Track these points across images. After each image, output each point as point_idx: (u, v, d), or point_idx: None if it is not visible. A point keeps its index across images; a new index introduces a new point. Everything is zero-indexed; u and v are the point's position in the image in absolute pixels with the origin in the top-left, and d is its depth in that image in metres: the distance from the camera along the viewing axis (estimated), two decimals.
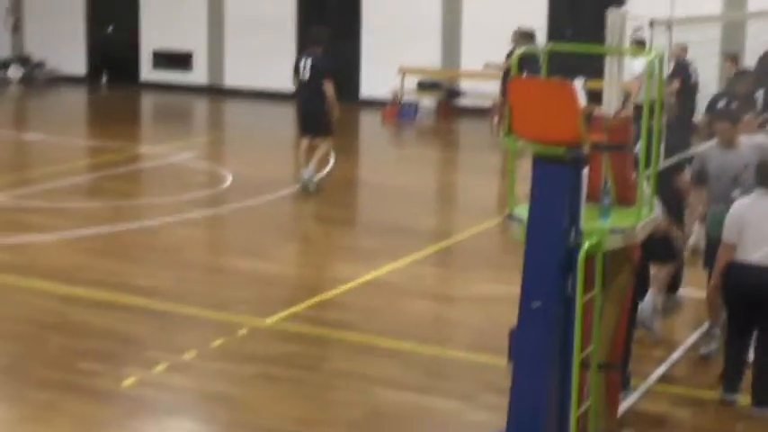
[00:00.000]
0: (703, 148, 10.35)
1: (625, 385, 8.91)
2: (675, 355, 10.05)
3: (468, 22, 24.62)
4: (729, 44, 20.20)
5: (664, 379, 9.52)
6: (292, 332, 10.46)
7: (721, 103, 13.27)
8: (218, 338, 10.08)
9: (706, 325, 10.21)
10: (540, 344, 7.23)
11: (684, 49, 17.23)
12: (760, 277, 8.65)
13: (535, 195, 7.26)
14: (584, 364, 7.51)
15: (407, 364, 9.72)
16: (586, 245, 7.12)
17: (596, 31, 8.21)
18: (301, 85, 16.24)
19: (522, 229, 7.39)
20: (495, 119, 20.50)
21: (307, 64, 16.05)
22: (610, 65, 8.03)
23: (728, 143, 9.91)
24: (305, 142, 16.33)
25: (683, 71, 17.42)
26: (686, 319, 10.99)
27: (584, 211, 7.53)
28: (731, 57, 17.45)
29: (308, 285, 12.00)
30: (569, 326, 7.19)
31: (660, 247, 9.57)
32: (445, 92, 24.70)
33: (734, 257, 8.76)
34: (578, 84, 7.02)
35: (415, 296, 11.74)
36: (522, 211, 7.49)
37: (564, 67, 8.54)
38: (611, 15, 8.00)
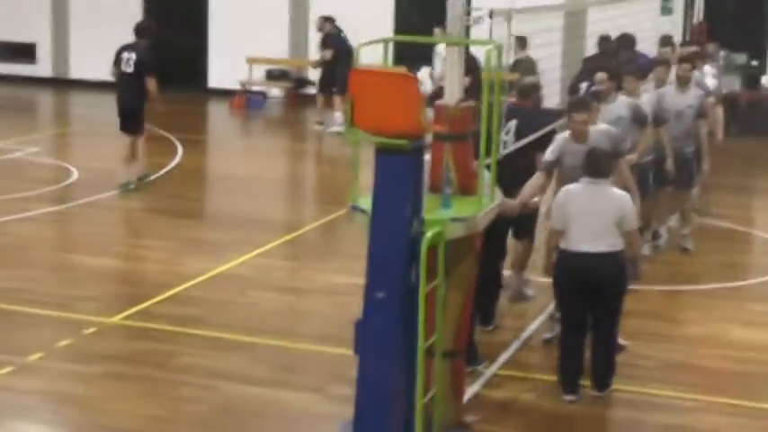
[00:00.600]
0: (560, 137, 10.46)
1: (478, 361, 9.28)
2: (519, 340, 10.25)
3: (316, 11, 24.60)
4: (571, 32, 20.65)
5: (508, 364, 9.68)
6: (140, 329, 10.34)
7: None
8: (64, 338, 9.91)
9: (550, 308, 10.39)
10: (385, 334, 7.28)
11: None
12: (590, 265, 8.75)
13: (378, 186, 7.30)
14: (430, 353, 7.62)
15: (256, 357, 9.70)
16: (429, 234, 7.18)
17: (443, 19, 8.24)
18: (122, 80, 15.82)
19: (366, 219, 7.43)
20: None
21: (130, 58, 15.72)
22: (451, 56, 8.10)
23: (583, 135, 10.00)
24: (127, 140, 15.99)
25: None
26: (530, 304, 11.16)
27: (427, 201, 7.62)
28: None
29: (156, 281, 11.84)
30: (414, 315, 7.25)
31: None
32: (293, 81, 24.67)
33: (564, 246, 8.89)
34: (424, 72, 7.18)
35: (264, 289, 11.71)
36: (366, 201, 7.51)
37: (413, 55, 8.58)
38: (452, 5, 8.05)
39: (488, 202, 7.87)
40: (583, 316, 8.93)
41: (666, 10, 22.11)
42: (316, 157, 20.10)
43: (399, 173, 7.21)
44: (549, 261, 9.10)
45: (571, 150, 9.70)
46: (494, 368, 9.51)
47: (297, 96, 24.54)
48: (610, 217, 8.78)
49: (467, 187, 7.93)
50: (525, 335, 10.39)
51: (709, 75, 15.22)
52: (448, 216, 7.56)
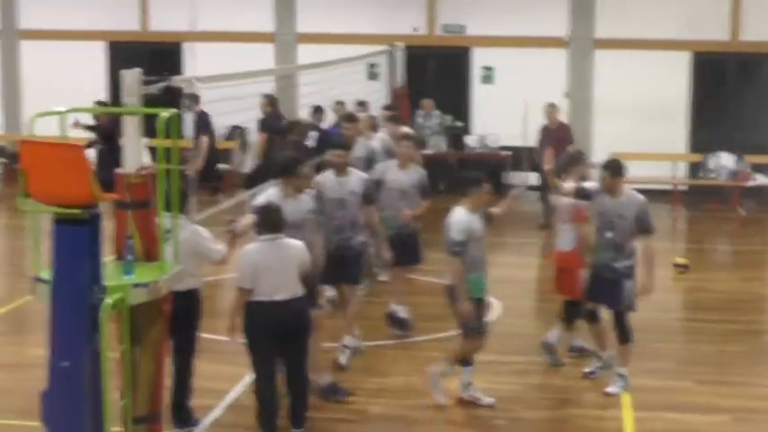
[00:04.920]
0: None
1: (192, 423, 9.51)
2: (225, 401, 10.42)
3: (28, 85, 24.46)
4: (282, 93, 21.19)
5: (213, 426, 9.86)
6: None
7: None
8: None
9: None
10: (71, 403, 7.32)
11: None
12: (284, 312, 9.22)
13: (56, 255, 7.37)
14: (140, 420, 7.84)
15: None
16: (109, 300, 7.29)
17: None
18: None
19: (47, 289, 7.47)
20: None
21: None
22: (128, 124, 8.26)
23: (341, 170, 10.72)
24: None
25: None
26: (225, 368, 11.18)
27: (111, 268, 7.75)
28: (269, 97, 18.28)
29: None
30: (100, 383, 7.32)
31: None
32: (9, 156, 24.25)
33: (252, 298, 9.22)
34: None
35: None
36: (49, 272, 7.56)
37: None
38: (127, 75, 8.22)
39: (171, 267, 8.05)
40: (275, 364, 9.40)
41: (372, 75, 22.88)
42: (29, 232, 19.82)
43: (76, 241, 7.30)
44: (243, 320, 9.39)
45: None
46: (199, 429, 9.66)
47: (12, 172, 24.09)
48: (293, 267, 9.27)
49: (150, 253, 8.08)
50: (231, 396, 10.55)
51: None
52: (130, 282, 7.68)
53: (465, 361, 10.44)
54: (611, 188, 10.63)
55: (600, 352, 11.18)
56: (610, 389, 10.75)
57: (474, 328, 10.25)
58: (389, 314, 12.69)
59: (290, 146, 14.11)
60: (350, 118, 14.62)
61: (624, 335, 10.71)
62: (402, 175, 12.56)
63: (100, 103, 19.54)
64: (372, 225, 11.72)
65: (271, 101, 18.14)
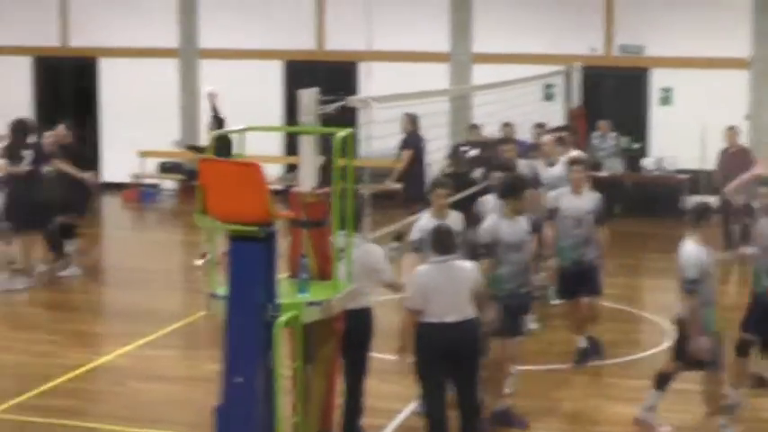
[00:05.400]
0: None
1: None
2: (395, 422, 10.43)
3: (207, 103, 24.95)
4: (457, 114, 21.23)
5: None
6: (17, 423, 10.34)
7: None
8: None
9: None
10: (244, 419, 7.45)
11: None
12: (455, 334, 9.12)
13: (232, 272, 7.52)
14: None
15: None
16: (283, 318, 7.39)
17: None
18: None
19: (222, 306, 7.61)
20: None
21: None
22: (305, 144, 8.36)
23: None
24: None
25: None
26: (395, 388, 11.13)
27: (285, 285, 7.85)
28: (410, 116, 17.94)
29: (36, 374, 11.82)
30: (272, 399, 7.42)
31: None
32: (186, 173, 24.83)
33: (423, 320, 9.18)
34: None
35: (144, 379, 11.77)
36: (224, 288, 7.70)
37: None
38: (304, 95, 8.33)
39: (344, 285, 8.11)
40: (444, 386, 9.31)
41: (548, 96, 22.73)
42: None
43: (252, 259, 7.44)
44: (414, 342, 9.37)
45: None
46: None
47: (189, 188, 24.68)
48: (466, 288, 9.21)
49: (324, 272, 8.16)
50: (401, 417, 10.55)
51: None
52: (304, 300, 7.76)
53: (660, 384, 10.11)
54: None
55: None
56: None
57: (713, 363, 9.81)
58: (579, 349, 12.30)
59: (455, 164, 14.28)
60: (506, 140, 14.74)
61: None
62: (576, 202, 12.10)
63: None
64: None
65: (412, 119, 18.06)
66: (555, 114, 20.62)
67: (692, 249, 9.67)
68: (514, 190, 10.16)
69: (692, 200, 20.80)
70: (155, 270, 17.18)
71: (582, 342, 12.21)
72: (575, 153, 14.53)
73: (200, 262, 17.01)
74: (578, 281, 11.99)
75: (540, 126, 18.18)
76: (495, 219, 10.07)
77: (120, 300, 15.58)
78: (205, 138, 20.70)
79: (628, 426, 10.33)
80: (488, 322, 9.71)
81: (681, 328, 9.83)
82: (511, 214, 10.08)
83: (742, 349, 10.62)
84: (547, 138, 14.70)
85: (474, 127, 18.71)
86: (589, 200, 12.14)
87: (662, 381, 10.09)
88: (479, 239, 10.05)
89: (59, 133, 16.39)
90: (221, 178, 7.41)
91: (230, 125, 17.57)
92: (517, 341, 10.28)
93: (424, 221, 10.31)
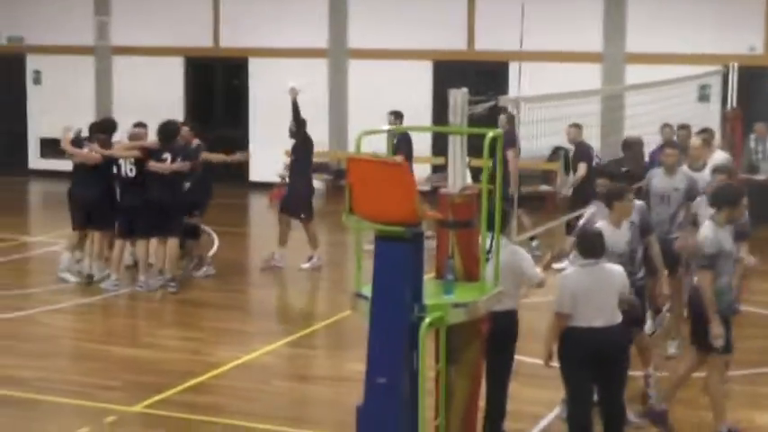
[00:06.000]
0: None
1: None
2: (538, 426, 10.23)
3: (354, 103, 25.01)
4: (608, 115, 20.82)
5: None
6: (161, 417, 10.43)
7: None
8: (83, 426, 9.98)
9: None
10: (387, 419, 7.33)
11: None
12: (603, 339, 9.00)
13: (377, 272, 7.40)
14: None
15: None
16: (428, 319, 7.25)
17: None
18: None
19: (367, 305, 7.51)
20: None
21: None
22: (453, 144, 8.20)
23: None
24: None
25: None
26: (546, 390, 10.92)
27: (431, 286, 7.70)
28: (508, 115, 17.29)
29: (180, 370, 11.93)
30: (415, 401, 7.29)
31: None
32: (333, 173, 24.90)
33: (570, 324, 9.03)
34: None
35: (287, 378, 11.79)
36: (369, 288, 7.60)
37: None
38: (453, 94, 8.18)
39: (491, 287, 7.93)
40: (591, 391, 9.23)
41: (704, 97, 22.17)
42: (352, 247, 20.20)
43: (398, 259, 7.32)
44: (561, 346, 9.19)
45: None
46: None
47: (337, 188, 24.75)
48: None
49: (470, 273, 7.99)
50: (544, 423, 10.34)
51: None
52: (449, 301, 7.61)
53: None
54: None
55: None
56: None
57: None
58: None
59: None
60: (670, 144, 14.08)
61: None
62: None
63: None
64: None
65: (509, 119, 17.63)
66: (710, 116, 20.07)
67: (710, 228, 9.69)
68: (617, 196, 10.12)
69: None
70: (297, 269, 17.19)
71: None
72: (721, 157, 14.09)
73: (306, 265, 16.95)
74: None
75: (683, 128, 16.99)
76: (713, 228, 9.75)
77: (266, 299, 15.64)
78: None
79: None
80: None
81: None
82: (723, 223, 9.82)
83: None
84: (695, 140, 14.19)
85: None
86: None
87: None
88: (703, 250, 9.72)
89: (183, 135, 16.36)
90: (369, 177, 7.31)
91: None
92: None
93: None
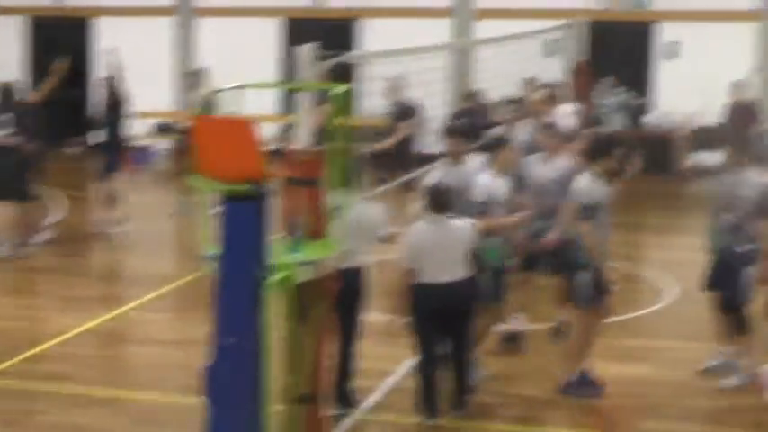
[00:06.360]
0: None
1: (353, 404, 9.36)
2: (387, 383, 10.18)
3: (202, 62, 24.62)
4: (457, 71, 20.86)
5: (374, 408, 9.62)
6: (1, 388, 10.05)
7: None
8: None
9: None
10: (235, 380, 7.19)
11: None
12: (449, 294, 9.05)
13: (225, 232, 7.22)
14: (301, 399, 7.77)
15: (119, 412, 9.54)
16: (276, 278, 7.10)
17: None
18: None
19: (214, 266, 7.32)
20: None
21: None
22: (301, 101, 8.04)
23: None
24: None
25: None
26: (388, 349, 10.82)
27: (278, 245, 7.55)
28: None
29: (20, 339, 11.48)
30: (264, 360, 7.15)
31: None
32: (180, 133, 24.44)
33: (417, 280, 9.03)
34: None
35: (133, 343, 11.54)
36: (217, 249, 7.40)
37: None
38: (301, 51, 8.02)
39: (338, 245, 7.83)
40: (437, 345, 9.26)
41: (551, 51, 22.30)
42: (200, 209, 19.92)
43: (245, 218, 7.15)
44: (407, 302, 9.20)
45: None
46: (360, 412, 9.45)
47: (184, 149, 24.29)
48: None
49: (318, 231, 7.87)
50: (392, 378, 10.29)
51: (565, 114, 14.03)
52: (297, 260, 7.49)
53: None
54: None
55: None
56: (724, 382, 10.16)
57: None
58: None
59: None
60: (510, 100, 13.81)
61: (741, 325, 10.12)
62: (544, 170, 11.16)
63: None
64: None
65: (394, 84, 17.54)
66: (558, 70, 20.21)
67: (588, 179, 9.69)
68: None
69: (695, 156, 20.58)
70: (146, 232, 16.84)
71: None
72: (568, 109, 14.05)
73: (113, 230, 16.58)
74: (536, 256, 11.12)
75: (530, 82, 16.57)
76: (591, 179, 9.75)
77: (107, 264, 15.35)
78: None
79: (628, 385, 10.18)
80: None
81: None
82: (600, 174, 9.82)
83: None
84: (536, 96, 13.92)
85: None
86: (557, 168, 11.07)
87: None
88: (586, 201, 9.68)
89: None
90: (215, 137, 7.10)
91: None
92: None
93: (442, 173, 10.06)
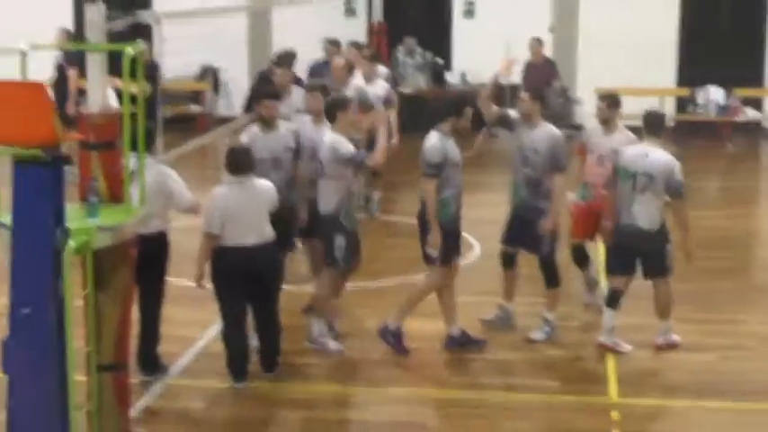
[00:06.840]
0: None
1: (160, 370, 9.35)
2: (195, 348, 10.15)
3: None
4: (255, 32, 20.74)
5: (183, 373, 9.61)
6: None
7: None
8: None
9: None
10: (33, 351, 7.02)
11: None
12: (256, 256, 9.03)
13: (17, 199, 7.05)
14: (106, 368, 7.64)
15: None
16: (72, 244, 6.98)
17: None
18: None
19: (6, 234, 7.16)
20: None
21: None
22: (92, 63, 7.89)
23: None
24: None
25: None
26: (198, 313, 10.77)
27: (74, 210, 7.42)
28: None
29: None
30: (63, 329, 7.04)
31: None
32: None
33: (220, 243, 9.01)
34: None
35: None
36: (8, 216, 7.24)
37: None
38: (90, 11, 7.84)
39: (137, 209, 7.74)
40: (244, 309, 9.28)
41: (350, 11, 22.43)
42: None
43: (38, 183, 6.98)
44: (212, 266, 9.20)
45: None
46: (166, 378, 9.42)
47: None
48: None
49: (115, 196, 7.76)
50: (200, 343, 10.27)
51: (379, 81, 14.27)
52: (94, 225, 7.37)
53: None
54: (607, 121, 10.81)
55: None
56: (533, 334, 10.40)
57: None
58: None
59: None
60: (279, 62, 13.12)
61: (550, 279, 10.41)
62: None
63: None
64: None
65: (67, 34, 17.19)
66: (357, 30, 20.33)
67: (436, 137, 9.75)
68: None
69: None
70: None
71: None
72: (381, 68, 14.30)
73: None
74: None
75: (333, 44, 16.46)
76: (439, 137, 9.74)
77: None
78: None
79: (430, 341, 10.30)
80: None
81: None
82: (449, 133, 9.88)
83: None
84: (337, 60, 14.08)
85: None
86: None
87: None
88: (430, 159, 9.69)
89: None
90: (4, 100, 6.92)
91: None
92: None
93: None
